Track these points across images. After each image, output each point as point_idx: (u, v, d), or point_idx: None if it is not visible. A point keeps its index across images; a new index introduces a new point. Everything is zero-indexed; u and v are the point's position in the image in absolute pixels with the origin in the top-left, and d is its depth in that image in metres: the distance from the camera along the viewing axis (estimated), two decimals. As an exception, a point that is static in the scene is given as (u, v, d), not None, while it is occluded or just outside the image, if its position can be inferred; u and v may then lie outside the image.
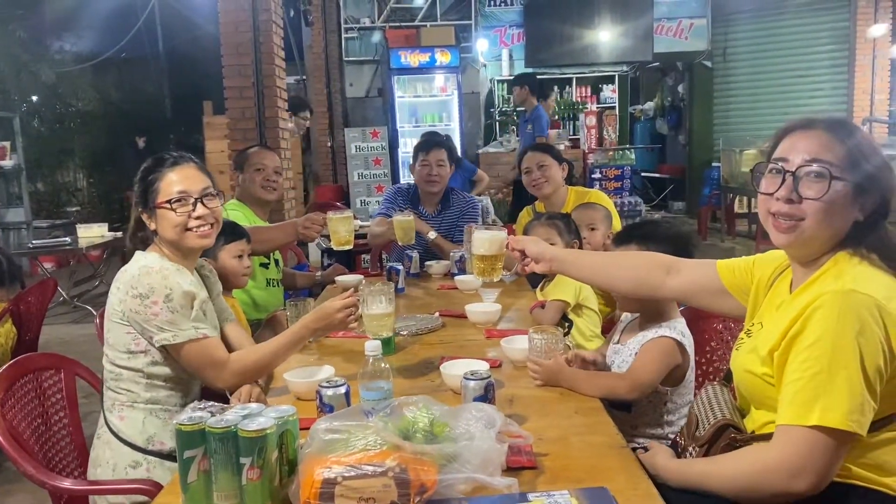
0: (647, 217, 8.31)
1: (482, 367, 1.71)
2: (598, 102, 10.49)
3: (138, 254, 1.88)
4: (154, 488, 1.61)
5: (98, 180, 12.00)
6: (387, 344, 1.96)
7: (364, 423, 1.19)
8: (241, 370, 1.80)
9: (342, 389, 1.49)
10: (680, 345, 1.78)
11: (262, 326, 2.57)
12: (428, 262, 3.35)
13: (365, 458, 1.11)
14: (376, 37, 10.00)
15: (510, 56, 10.04)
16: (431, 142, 3.62)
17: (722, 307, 1.65)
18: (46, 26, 10.57)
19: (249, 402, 1.63)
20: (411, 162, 3.63)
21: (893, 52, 8.92)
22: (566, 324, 2.46)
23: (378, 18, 9.96)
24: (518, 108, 9.78)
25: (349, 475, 1.09)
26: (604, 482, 1.24)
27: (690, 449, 1.47)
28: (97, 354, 1.87)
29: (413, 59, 9.02)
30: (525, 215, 3.46)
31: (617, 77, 10.48)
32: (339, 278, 3.12)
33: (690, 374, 1.85)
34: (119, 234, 6.67)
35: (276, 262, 3.19)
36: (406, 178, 8.33)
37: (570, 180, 3.42)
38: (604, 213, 2.88)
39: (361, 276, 3.19)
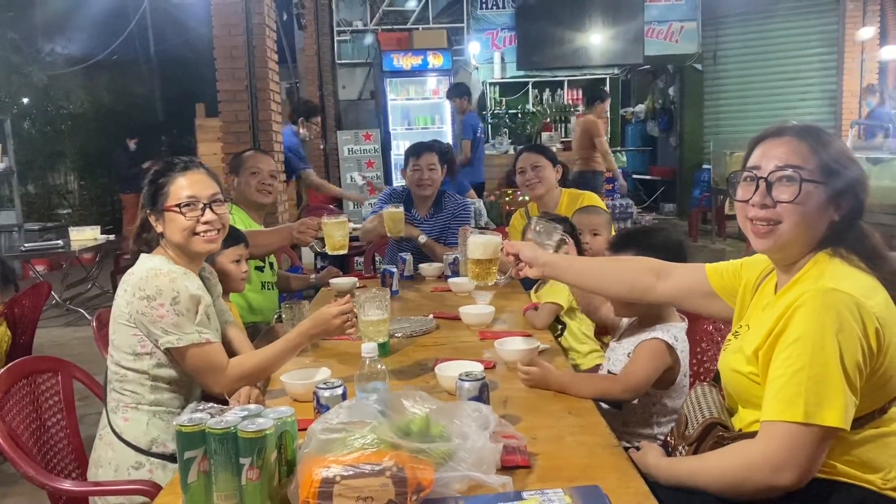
0: (639, 219, 8.36)
1: (477, 368, 1.74)
2: (590, 105, 10.53)
3: (144, 256, 1.90)
4: (154, 489, 1.63)
5: (90, 183, 11.96)
6: (381, 347, 1.98)
7: (361, 420, 1.21)
8: (239, 376, 1.82)
9: (339, 391, 1.51)
10: (670, 347, 1.81)
11: (259, 338, 2.58)
12: (421, 265, 3.38)
13: (363, 458, 1.12)
14: (368, 40, 10.02)
15: (502, 59, 10.08)
16: (422, 146, 3.64)
17: (711, 309, 1.69)
18: (37, 28, 10.54)
19: (248, 403, 1.65)
20: (403, 166, 3.66)
21: (882, 54, 8.99)
22: (559, 326, 2.49)
23: (370, 21, 9.98)
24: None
25: (347, 475, 1.10)
26: (597, 481, 1.26)
27: (680, 448, 1.50)
28: (91, 357, 1.89)
29: (405, 61, 9.04)
30: (518, 218, 3.49)
31: (608, 80, 10.52)
32: (333, 281, 3.14)
33: (683, 380, 1.88)
34: (112, 237, 6.67)
35: (272, 265, 3.21)
36: (398, 180, 8.35)
37: (563, 182, 3.45)
38: (606, 217, 2.90)
39: (355, 279, 3.21)
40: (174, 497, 1.27)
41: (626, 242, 1.97)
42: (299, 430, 1.26)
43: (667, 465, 1.46)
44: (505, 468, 1.30)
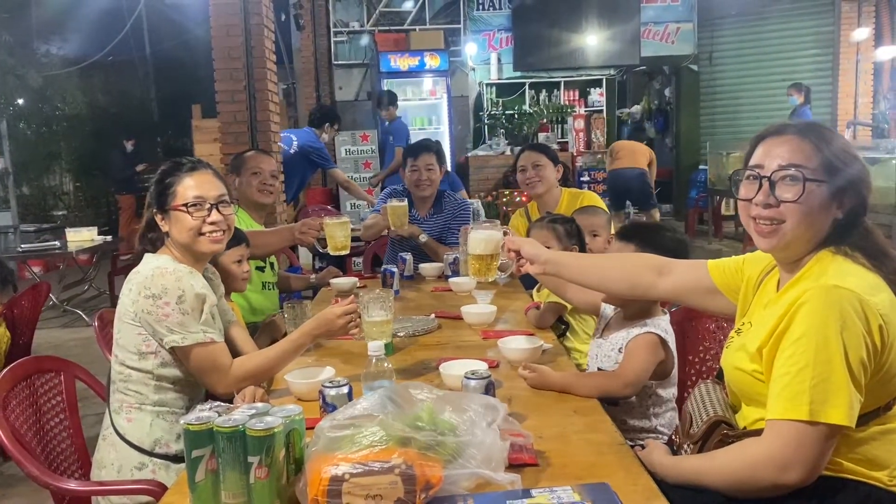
0: (636, 220, 8.37)
1: (482, 366, 1.74)
2: (586, 106, 10.55)
3: (148, 256, 1.90)
4: (159, 489, 1.62)
5: (85, 184, 11.91)
6: (385, 347, 1.98)
7: (370, 413, 1.21)
8: (242, 376, 1.82)
9: (344, 389, 1.51)
10: (663, 341, 1.82)
11: (259, 331, 2.58)
12: (422, 265, 3.38)
13: (371, 456, 1.12)
14: (365, 40, 10.02)
15: (499, 60, 10.10)
16: (420, 146, 3.64)
17: (713, 306, 1.69)
18: (33, 30, 10.49)
19: (254, 402, 1.65)
20: (401, 168, 3.66)
21: (877, 55, 9.03)
22: (562, 326, 2.49)
23: (367, 22, 9.99)
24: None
25: (356, 472, 1.10)
26: (604, 478, 1.26)
27: (685, 446, 1.50)
28: (90, 359, 1.88)
29: (402, 62, 9.05)
30: (517, 218, 3.50)
31: (604, 81, 10.54)
32: (333, 281, 3.14)
33: (675, 371, 1.90)
34: (108, 237, 6.65)
35: (272, 265, 3.21)
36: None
37: (564, 182, 3.46)
38: (606, 218, 2.91)
39: (356, 279, 3.21)
40: (180, 497, 1.27)
41: (631, 235, 1.98)
42: (306, 429, 1.26)
43: (672, 463, 1.46)
44: (512, 466, 1.29)
